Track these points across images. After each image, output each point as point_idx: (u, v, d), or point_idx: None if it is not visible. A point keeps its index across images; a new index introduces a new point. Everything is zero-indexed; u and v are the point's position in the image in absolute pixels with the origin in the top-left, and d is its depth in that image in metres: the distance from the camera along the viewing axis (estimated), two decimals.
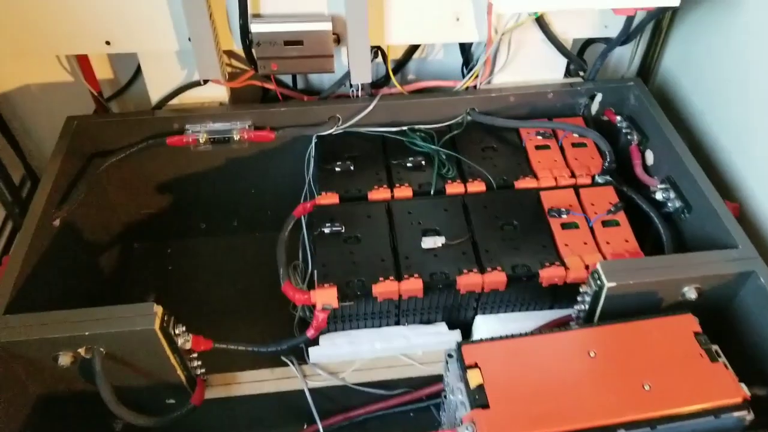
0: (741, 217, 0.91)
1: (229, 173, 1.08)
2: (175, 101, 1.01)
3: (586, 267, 0.86)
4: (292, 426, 0.93)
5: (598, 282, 0.77)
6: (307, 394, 0.87)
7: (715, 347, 0.71)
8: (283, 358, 0.89)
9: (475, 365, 0.70)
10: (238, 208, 1.16)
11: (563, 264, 0.86)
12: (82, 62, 1.01)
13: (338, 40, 0.94)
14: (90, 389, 0.75)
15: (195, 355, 0.82)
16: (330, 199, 0.94)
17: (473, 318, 0.92)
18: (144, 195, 1.09)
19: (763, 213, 0.90)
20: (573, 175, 0.98)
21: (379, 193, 0.95)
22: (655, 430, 0.64)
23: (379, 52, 1.03)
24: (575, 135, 1.03)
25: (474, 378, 0.69)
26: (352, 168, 0.98)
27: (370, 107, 1.01)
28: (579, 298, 0.83)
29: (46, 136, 1.09)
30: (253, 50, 0.91)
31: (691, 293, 0.79)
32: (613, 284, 0.77)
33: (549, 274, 0.85)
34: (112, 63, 1.08)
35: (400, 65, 1.10)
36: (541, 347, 0.72)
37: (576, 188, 0.96)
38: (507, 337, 0.74)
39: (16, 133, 1.09)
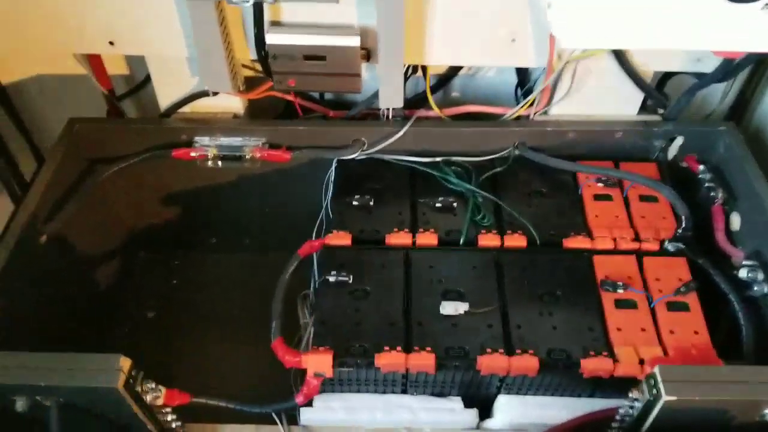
0: None
1: (241, 190, 0.98)
2: (186, 109, 0.91)
3: (641, 361, 0.70)
4: None
5: (654, 391, 0.62)
6: None
7: None
8: (273, 415, 0.78)
9: None
10: (250, 226, 1.06)
11: (612, 355, 0.71)
12: (93, 60, 0.91)
13: (368, 56, 0.80)
14: None
15: (169, 409, 0.72)
16: (342, 239, 0.81)
17: (495, 395, 0.78)
18: (150, 206, 1.01)
19: None
20: (637, 238, 0.81)
21: (399, 238, 0.81)
22: None
23: (419, 67, 0.89)
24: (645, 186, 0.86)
25: None
26: (371, 203, 0.85)
27: (401, 132, 0.87)
28: (627, 402, 0.67)
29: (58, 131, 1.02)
30: (269, 63, 0.79)
31: None
32: (672, 398, 0.61)
33: (593, 366, 0.70)
34: (128, 59, 0.98)
35: (443, 81, 0.96)
36: None
37: (639, 255, 0.80)
38: None
39: (28, 126, 1.01)
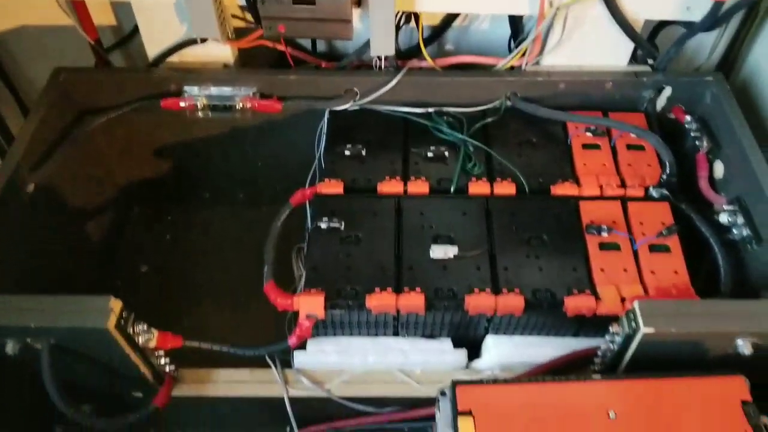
0: None
1: (234, 143, 0.98)
2: (174, 58, 0.91)
3: (623, 300, 0.72)
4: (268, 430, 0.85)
5: (633, 324, 0.64)
6: (287, 403, 0.78)
7: (765, 420, 0.58)
8: (267, 359, 0.80)
9: (469, 412, 0.59)
10: (243, 180, 1.06)
11: (595, 293, 0.73)
12: (79, 9, 0.90)
13: (359, 1, 0.80)
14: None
15: (162, 352, 0.74)
16: (333, 187, 0.83)
17: (483, 337, 0.80)
18: (141, 160, 1.01)
19: None
20: (623, 185, 0.83)
21: (391, 186, 0.83)
22: None
23: (412, 17, 0.89)
24: (632, 135, 0.87)
25: (465, 427, 0.58)
26: (364, 153, 0.86)
27: (393, 82, 0.88)
28: (608, 337, 0.69)
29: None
30: (258, 7, 0.79)
31: (745, 348, 0.65)
32: (650, 330, 0.63)
33: (576, 304, 0.72)
34: (115, 9, 0.97)
35: (437, 33, 0.96)
36: (551, 399, 0.60)
37: (624, 201, 0.82)
38: (511, 381, 0.62)
39: (14, 78, 1.01)
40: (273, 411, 0.81)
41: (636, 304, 0.65)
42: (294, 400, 0.78)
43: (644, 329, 0.63)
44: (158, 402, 0.74)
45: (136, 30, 0.96)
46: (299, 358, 0.80)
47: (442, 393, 0.63)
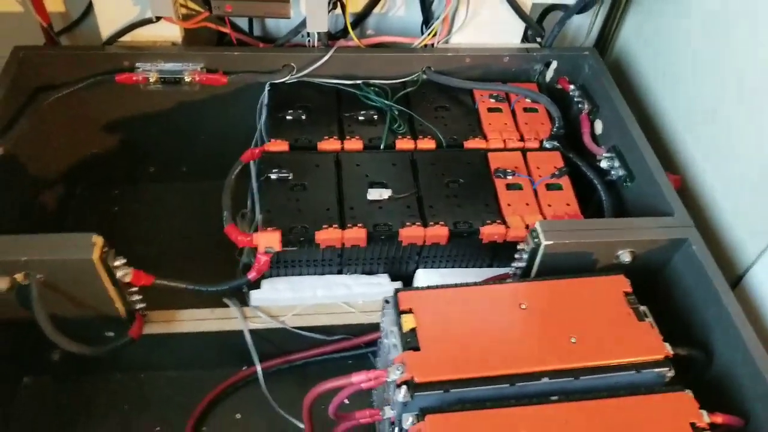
0: (682, 190, 0.94)
1: (180, 117, 1.06)
2: (126, 38, 0.99)
3: (527, 227, 0.88)
4: (232, 366, 0.94)
5: (536, 240, 0.80)
6: (247, 335, 0.88)
7: (643, 308, 0.74)
8: (225, 300, 0.90)
9: (410, 311, 0.71)
10: (187, 154, 1.14)
11: (504, 222, 0.88)
12: None
13: None
14: (27, 318, 0.74)
15: (135, 289, 0.82)
16: (279, 146, 0.94)
17: (415, 271, 0.94)
18: (91, 134, 1.07)
19: (704, 188, 0.93)
20: (522, 139, 1.00)
21: (329, 144, 0.95)
22: (578, 380, 0.67)
23: (338, 4, 1.02)
24: (527, 100, 1.05)
25: (407, 322, 0.70)
26: (303, 117, 0.98)
27: (326, 57, 1.00)
28: (517, 255, 0.85)
29: None
30: None
31: (625, 256, 0.82)
32: (549, 242, 0.79)
33: (489, 231, 0.87)
34: None
35: (360, 19, 1.09)
36: (474, 297, 0.74)
37: (524, 151, 0.98)
38: (443, 286, 0.76)
39: None
40: (233, 349, 0.90)
41: (537, 224, 0.81)
42: (252, 333, 0.88)
43: (545, 242, 0.79)
44: (133, 333, 0.82)
45: (84, 15, 1.03)
46: (255, 295, 0.90)
47: (386, 301, 0.75)
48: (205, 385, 0.93)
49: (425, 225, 0.87)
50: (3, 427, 0.87)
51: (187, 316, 0.88)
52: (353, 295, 0.91)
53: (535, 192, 0.93)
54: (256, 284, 0.90)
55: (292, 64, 1.01)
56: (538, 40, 1.09)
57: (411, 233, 0.86)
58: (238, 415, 0.93)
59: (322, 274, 0.92)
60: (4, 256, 0.71)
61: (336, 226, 0.85)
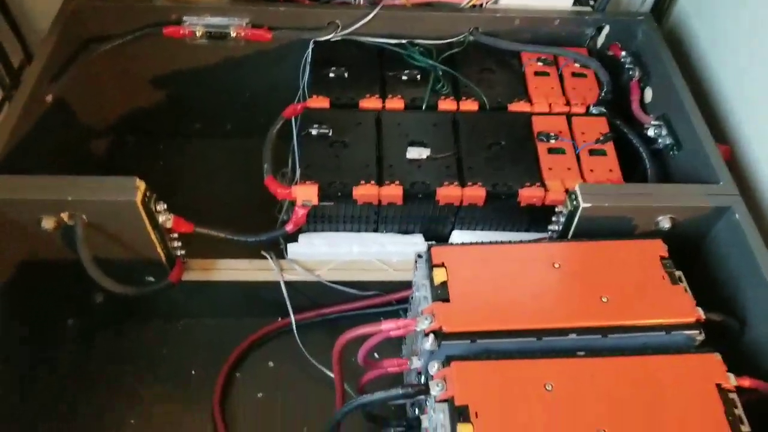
0: (730, 162, 0.91)
1: (225, 73, 1.08)
2: None
3: (566, 191, 0.87)
4: (267, 317, 0.97)
5: (574, 202, 0.78)
6: (283, 286, 0.90)
7: (679, 273, 0.72)
8: (263, 252, 0.92)
9: (442, 264, 0.72)
10: (232, 111, 1.16)
11: (544, 186, 0.87)
12: None
13: None
14: (72, 260, 0.78)
15: (176, 235, 0.84)
16: (321, 102, 0.94)
17: (450, 233, 0.94)
18: (138, 88, 1.10)
19: (753, 161, 0.90)
20: (568, 104, 0.98)
21: (371, 102, 0.95)
22: (607, 338, 0.66)
23: None
24: (576, 64, 1.02)
25: (439, 275, 0.70)
26: (346, 76, 0.98)
27: (371, 15, 0.99)
28: (554, 218, 0.84)
29: (45, 20, 1.09)
30: None
31: (665, 223, 0.80)
32: (588, 205, 0.77)
33: (528, 194, 0.86)
34: None
35: None
36: (508, 255, 0.73)
37: (569, 116, 0.96)
38: (475, 243, 0.75)
39: (16, 14, 1.09)
40: (268, 300, 0.92)
41: (577, 186, 0.79)
42: (288, 285, 0.90)
43: (583, 204, 0.78)
44: (173, 278, 0.85)
45: None
46: (292, 249, 0.92)
47: (419, 255, 0.76)
48: (241, 333, 0.97)
49: (463, 185, 0.86)
50: (48, 367, 0.92)
51: (225, 265, 0.90)
52: (388, 253, 0.92)
53: (578, 157, 0.91)
54: (293, 238, 0.92)
55: (337, 21, 1.01)
56: (591, 3, 1.06)
57: (448, 193, 0.86)
58: (271, 363, 0.96)
59: (359, 231, 0.93)
60: (50, 194, 0.74)
61: (373, 182, 0.85)
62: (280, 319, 0.97)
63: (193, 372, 0.94)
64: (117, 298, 0.91)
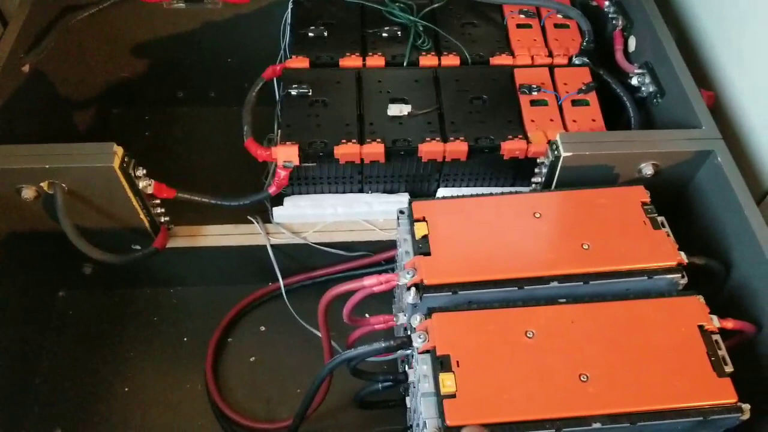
0: (714, 108, 0.90)
1: (205, 39, 1.07)
2: None
3: (549, 142, 0.86)
4: (258, 283, 0.97)
5: (556, 152, 0.78)
6: (269, 249, 0.90)
7: (661, 218, 0.72)
8: (249, 217, 0.92)
9: (423, 219, 0.72)
10: (214, 78, 1.15)
11: (526, 138, 0.86)
12: None
13: None
14: (57, 231, 0.77)
15: (158, 201, 0.84)
16: (300, 63, 0.93)
17: (436, 191, 0.93)
18: (119, 57, 1.09)
19: (736, 105, 0.89)
20: (550, 55, 0.96)
21: (351, 61, 0.94)
22: (588, 284, 0.66)
23: None
24: (559, 15, 1.00)
25: (420, 230, 0.70)
26: (326, 34, 0.96)
27: None
28: (536, 170, 0.83)
29: None
30: None
31: (648, 170, 0.80)
32: (569, 154, 0.77)
33: (511, 147, 0.85)
34: None
35: None
36: (488, 207, 0.73)
37: (551, 68, 0.95)
38: (457, 197, 0.75)
39: None
40: (258, 265, 0.93)
41: (558, 135, 0.79)
42: (276, 249, 0.91)
43: (564, 154, 0.77)
44: (158, 244, 0.85)
45: None
46: (278, 212, 0.91)
47: (401, 211, 0.76)
48: (232, 299, 0.97)
49: (445, 140, 0.86)
50: (39, 338, 0.93)
51: (211, 231, 0.90)
52: (374, 213, 0.92)
53: (560, 108, 0.90)
54: (279, 202, 0.92)
55: None
56: None
57: (430, 148, 0.85)
58: (263, 328, 0.96)
59: (344, 192, 0.93)
60: (28, 163, 0.74)
61: (355, 141, 0.85)
62: (270, 284, 0.97)
63: (185, 339, 0.95)
64: (106, 268, 0.92)
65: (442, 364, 0.60)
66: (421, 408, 0.59)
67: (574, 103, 0.91)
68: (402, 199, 0.92)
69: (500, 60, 0.95)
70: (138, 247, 0.88)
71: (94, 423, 0.87)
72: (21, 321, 0.89)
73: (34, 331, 0.92)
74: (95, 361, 0.92)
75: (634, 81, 0.94)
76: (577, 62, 0.96)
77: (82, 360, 0.92)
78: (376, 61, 0.94)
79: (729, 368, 0.61)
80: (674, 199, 0.84)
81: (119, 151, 0.75)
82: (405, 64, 0.95)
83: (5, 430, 0.83)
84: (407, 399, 0.73)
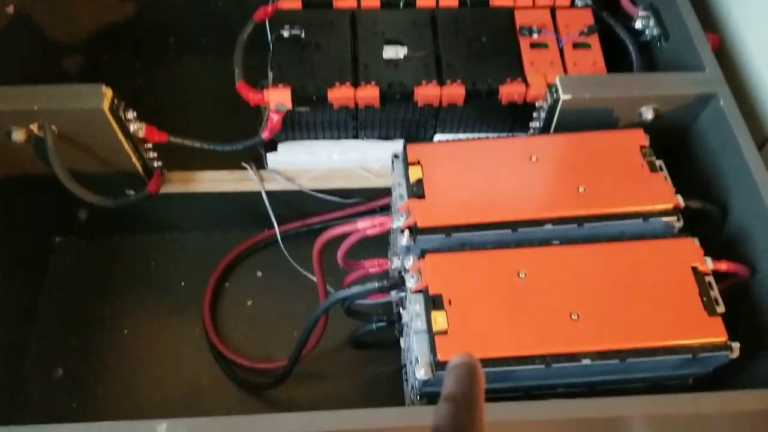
0: (719, 51, 0.88)
1: None
2: None
3: (548, 86, 0.84)
4: (254, 229, 0.97)
5: (555, 95, 0.76)
6: (264, 195, 0.89)
7: (659, 162, 0.71)
8: (243, 163, 0.91)
9: (418, 162, 0.71)
10: (207, 25, 1.12)
11: (525, 81, 0.84)
12: None
13: None
14: (51, 175, 0.76)
15: (150, 146, 0.83)
16: (293, 3, 0.90)
17: (432, 138, 0.92)
18: (107, 1, 1.06)
19: (741, 49, 0.87)
20: None
21: (345, 1, 0.91)
22: (583, 227, 0.66)
23: None
24: None
25: (414, 173, 0.70)
26: None
27: None
28: (535, 114, 0.82)
29: None
30: None
31: (648, 114, 0.78)
32: (568, 97, 0.76)
33: (509, 90, 0.84)
34: None
35: None
36: (484, 150, 0.72)
37: (553, 9, 0.92)
38: (451, 141, 0.74)
39: None
40: (254, 212, 0.92)
41: (557, 79, 0.77)
42: (271, 196, 0.90)
43: (563, 97, 0.76)
44: (151, 188, 0.84)
45: None
46: (272, 158, 0.90)
47: (395, 155, 0.75)
48: (228, 245, 0.97)
49: (442, 84, 0.84)
50: (37, 282, 0.94)
51: (206, 177, 0.90)
52: (369, 160, 0.91)
53: (561, 51, 0.88)
54: (273, 149, 0.90)
55: None
56: None
57: (426, 92, 0.83)
58: (259, 273, 0.97)
59: (338, 139, 0.92)
60: (17, 105, 0.73)
61: (349, 84, 0.83)
62: (266, 230, 0.97)
63: (182, 283, 0.95)
64: (101, 213, 0.92)
65: (434, 302, 0.60)
66: (414, 345, 0.60)
67: (576, 46, 0.88)
68: (398, 146, 0.91)
69: (500, 1, 0.92)
70: (132, 192, 0.87)
71: (94, 364, 0.88)
72: (18, 266, 0.89)
73: (31, 276, 0.92)
74: (93, 306, 0.93)
75: (638, 24, 0.91)
76: (579, 4, 0.93)
77: (80, 304, 0.93)
78: (371, 1, 0.91)
79: (720, 309, 0.61)
80: (674, 144, 0.83)
81: (108, 92, 0.74)
82: (401, 4, 0.92)
83: (7, 371, 0.84)
84: (401, 340, 0.73)
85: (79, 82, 1.06)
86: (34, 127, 0.74)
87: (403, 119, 0.89)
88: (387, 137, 0.92)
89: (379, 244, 0.84)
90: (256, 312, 0.93)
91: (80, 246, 0.97)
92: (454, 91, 0.83)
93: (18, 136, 0.75)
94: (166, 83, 1.15)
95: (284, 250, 0.94)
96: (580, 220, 0.66)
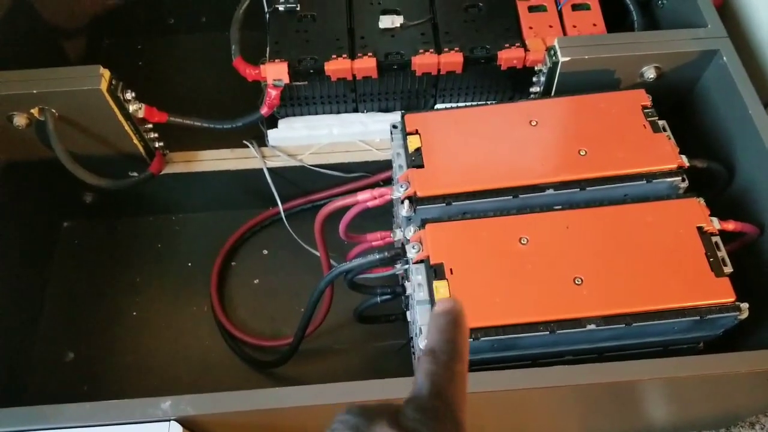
0: (722, 9, 0.86)
1: None
2: None
3: (547, 48, 0.83)
4: (259, 208, 0.97)
5: (554, 58, 0.75)
6: (266, 172, 0.89)
7: (662, 122, 0.70)
8: (244, 141, 0.91)
9: (416, 132, 0.70)
10: (205, 3, 1.11)
11: (524, 45, 0.83)
12: None
13: None
14: (55, 160, 0.77)
15: (150, 126, 0.83)
16: None
17: (432, 108, 0.91)
18: None
19: (748, 5, 0.84)
20: None
21: None
22: (585, 191, 0.65)
23: None
24: None
25: (413, 142, 0.69)
26: None
27: None
28: (534, 78, 0.81)
29: None
30: None
31: (650, 73, 0.77)
32: (567, 59, 0.74)
33: (508, 56, 0.82)
34: None
35: None
36: (483, 117, 0.71)
37: None
38: (449, 109, 0.73)
39: None
40: (258, 191, 0.92)
41: (556, 41, 0.76)
42: (273, 173, 0.90)
43: (562, 59, 0.74)
44: (153, 169, 0.84)
45: None
46: (273, 134, 0.90)
47: (394, 126, 0.74)
48: (233, 225, 0.97)
49: (439, 52, 0.83)
50: (46, 267, 0.95)
51: (207, 156, 0.90)
52: (369, 133, 0.90)
53: (560, 13, 0.86)
54: (273, 125, 0.90)
55: None
56: None
57: (424, 61, 0.82)
58: (265, 251, 0.97)
59: (338, 113, 0.91)
60: (16, 89, 0.72)
61: (345, 56, 0.82)
62: (270, 208, 0.97)
63: (189, 264, 0.96)
64: (106, 196, 0.93)
65: (435, 272, 0.60)
66: (417, 316, 0.60)
67: (575, 7, 0.87)
68: (398, 118, 0.90)
69: None
70: (135, 174, 0.87)
71: (104, 346, 0.89)
72: (28, 251, 0.90)
73: (40, 261, 0.93)
74: (103, 288, 0.94)
75: None
76: None
77: (89, 287, 0.94)
78: None
79: (728, 269, 0.61)
80: (678, 104, 0.81)
81: (106, 73, 0.73)
82: None
83: (18, 356, 0.86)
84: (408, 313, 0.73)
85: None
86: (34, 111, 0.74)
87: (402, 90, 0.88)
88: (387, 109, 0.92)
89: (383, 220, 0.84)
90: (262, 290, 0.94)
91: (88, 230, 0.98)
92: (452, 59, 0.82)
93: (19, 120, 0.75)
94: (167, 64, 1.14)
95: (288, 227, 0.94)
96: (582, 184, 0.65)
